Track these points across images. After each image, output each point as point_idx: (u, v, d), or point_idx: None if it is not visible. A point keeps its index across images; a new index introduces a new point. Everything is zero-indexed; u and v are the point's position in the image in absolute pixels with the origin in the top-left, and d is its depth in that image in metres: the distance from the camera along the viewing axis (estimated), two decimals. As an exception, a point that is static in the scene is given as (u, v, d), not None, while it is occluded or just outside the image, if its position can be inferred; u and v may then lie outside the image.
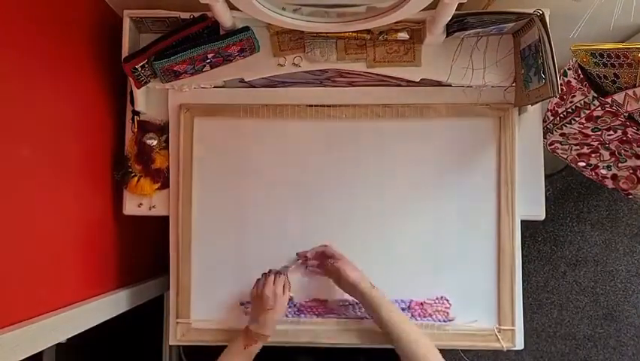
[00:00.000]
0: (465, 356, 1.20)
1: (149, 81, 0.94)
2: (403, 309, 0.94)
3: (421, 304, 0.94)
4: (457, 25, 0.85)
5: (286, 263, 0.94)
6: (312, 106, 0.96)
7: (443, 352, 0.80)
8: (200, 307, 0.96)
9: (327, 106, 0.96)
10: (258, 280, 0.89)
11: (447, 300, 0.94)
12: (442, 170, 0.95)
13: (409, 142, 0.96)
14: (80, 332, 0.81)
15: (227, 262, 0.96)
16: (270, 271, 0.90)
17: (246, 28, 0.86)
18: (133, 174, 0.96)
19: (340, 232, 0.95)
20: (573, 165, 1.08)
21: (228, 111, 0.96)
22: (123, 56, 0.90)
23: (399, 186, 0.95)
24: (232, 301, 0.96)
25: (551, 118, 0.99)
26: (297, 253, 0.94)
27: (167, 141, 0.97)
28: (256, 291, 0.87)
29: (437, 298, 0.95)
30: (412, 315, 0.94)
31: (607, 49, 0.76)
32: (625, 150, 0.95)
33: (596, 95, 0.84)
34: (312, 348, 0.98)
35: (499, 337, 0.93)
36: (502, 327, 0.93)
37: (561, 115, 0.96)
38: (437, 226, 0.95)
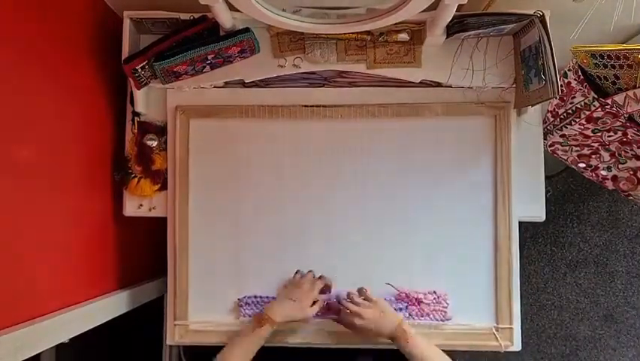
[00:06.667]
0: (465, 356, 1.19)
1: (150, 82, 0.93)
2: (400, 309, 0.94)
3: (419, 303, 0.94)
4: (457, 26, 0.85)
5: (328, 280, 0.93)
6: (307, 107, 0.96)
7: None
8: (198, 308, 0.96)
9: (323, 106, 0.96)
10: (298, 271, 0.93)
11: (445, 299, 0.94)
12: (438, 169, 0.95)
13: (405, 141, 0.96)
14: (79, 333, 0.80)
15: (225, 264, 0.96)
16: (311, 272, 0.93)
17: (246, 30, 0.86)
18: (133, 175, 0.96)
19: (337, 232, 0.95)
20: (573, 167, 1.08)
21: (224, 112, 0.96)
22: (123, 57, 0.90)
23: (395, 186, 0.95)
24: (229, 303, 0.96)
25: (551, 119, 0.99)
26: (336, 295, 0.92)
27: (167, 142, 0.97)
28: (292, 280, 0.90)
29: (435, 298, 0.95)
30: (410, 314, 0.94)
31: (607, 50, 0.76)
32: (625, 152, 0.95)
33: (596, 96, 0.84)
34: (313, 349, 0.98)
35: (497, 336, 0.92)
36: (500, 326, 0.93)
37: (561, 116, 0.96)
38: (434, 224, 0.95)
